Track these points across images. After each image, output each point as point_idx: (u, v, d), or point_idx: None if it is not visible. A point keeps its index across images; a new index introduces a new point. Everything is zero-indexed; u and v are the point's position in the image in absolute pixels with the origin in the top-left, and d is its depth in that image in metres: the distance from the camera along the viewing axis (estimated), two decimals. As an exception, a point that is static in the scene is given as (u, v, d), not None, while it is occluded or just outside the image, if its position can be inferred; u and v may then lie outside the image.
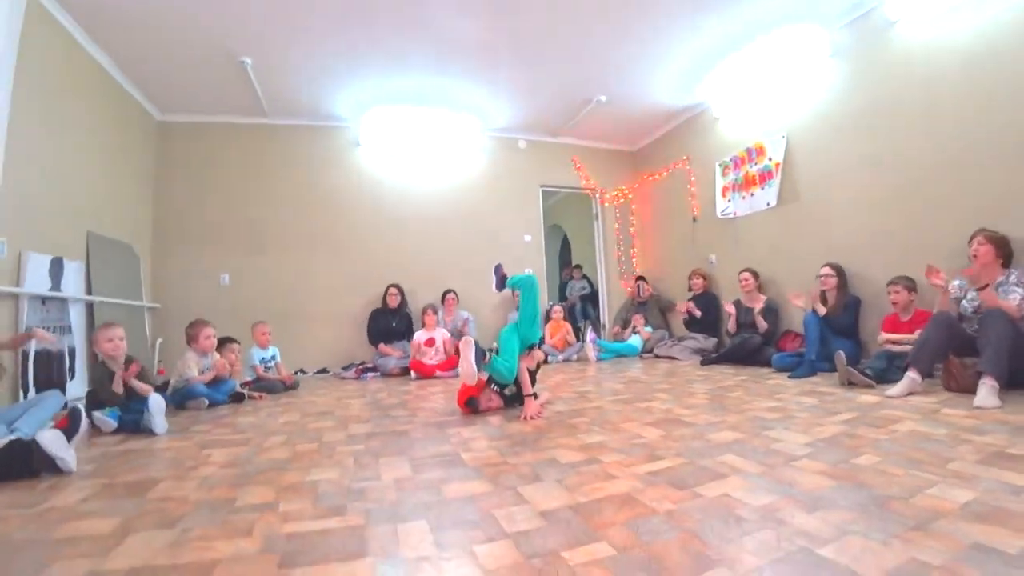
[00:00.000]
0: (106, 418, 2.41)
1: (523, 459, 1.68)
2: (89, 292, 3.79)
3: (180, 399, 3.12)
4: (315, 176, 5.47)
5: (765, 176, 4.57)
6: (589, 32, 3.99)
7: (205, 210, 5.13)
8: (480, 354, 2.37)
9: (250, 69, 4.30)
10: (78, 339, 3.63)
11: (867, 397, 2.52)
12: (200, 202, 5.13)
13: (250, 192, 5.26)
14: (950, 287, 2.78)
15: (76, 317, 3.65)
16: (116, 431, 2.42)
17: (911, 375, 2.54)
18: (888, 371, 2.89)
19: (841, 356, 2.86)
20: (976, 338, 2.52)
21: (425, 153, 5.79)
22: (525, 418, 2.35)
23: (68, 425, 1.86)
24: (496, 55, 4.30)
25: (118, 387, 2.64)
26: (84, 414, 1.96)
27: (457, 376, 4.42)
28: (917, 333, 2.81)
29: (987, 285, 2.53)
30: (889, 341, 3.13)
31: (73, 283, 3.62)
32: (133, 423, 2.41)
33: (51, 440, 1.69)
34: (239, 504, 1.38)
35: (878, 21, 3.60)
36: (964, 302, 2.72)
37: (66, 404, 2.25)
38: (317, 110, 5.22)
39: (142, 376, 2.71)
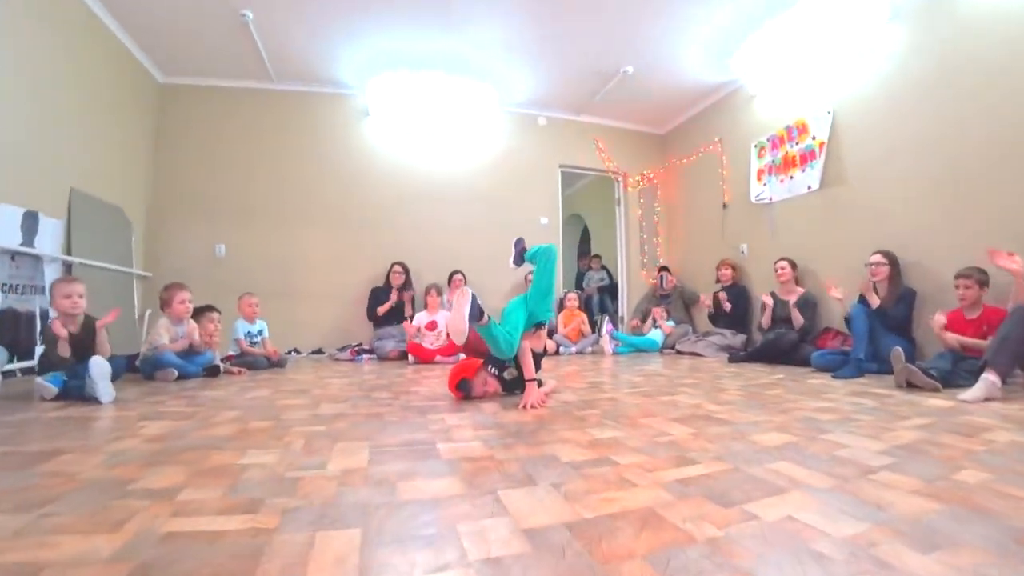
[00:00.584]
0: (47, 383, 2.12)
1: (514, 454, 1.32)
2: (69, 252, 3.54)
3: (149, 368, 2.83)
4: (321, 146, 5.20)
5: (807, 156, 4.12)
6: None
7: (204, 177, 4.90)
8: (477, 311, 2.00)
9: (252, 24, 4.03)
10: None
11: (936, 401, 2.10)
12: (200, 169, 4.90)
13: (252, 160, 5.01)
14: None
15: (52, 278, 3.39)
16: (59, 397, 2.13)
17: (989, 378, 2.12)
18: (953, 374, 2.45)
19: (899, 352, 2.44)
20: None
21: (437, 126, 5.45)
22: (525, 406, 1.99)
23: None
24: (516, 16, 3.94)
25: (64, 350, 2.36)
26: None
27: (458, 360, 4.10)
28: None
29: None
30: (949, 344, 2.68)
31: (50, 241, 3.38)
32: (79, 389, 2.11)
33: None
34: (134, 487, 1.05)
35: None
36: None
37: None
38: (324, 74, 4.93)
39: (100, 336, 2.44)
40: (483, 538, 0.81)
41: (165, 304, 3.04)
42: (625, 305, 6.42)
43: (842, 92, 3.89)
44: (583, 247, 9.40)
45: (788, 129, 4.31)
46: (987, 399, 2.09)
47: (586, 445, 1.43)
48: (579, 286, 7.81)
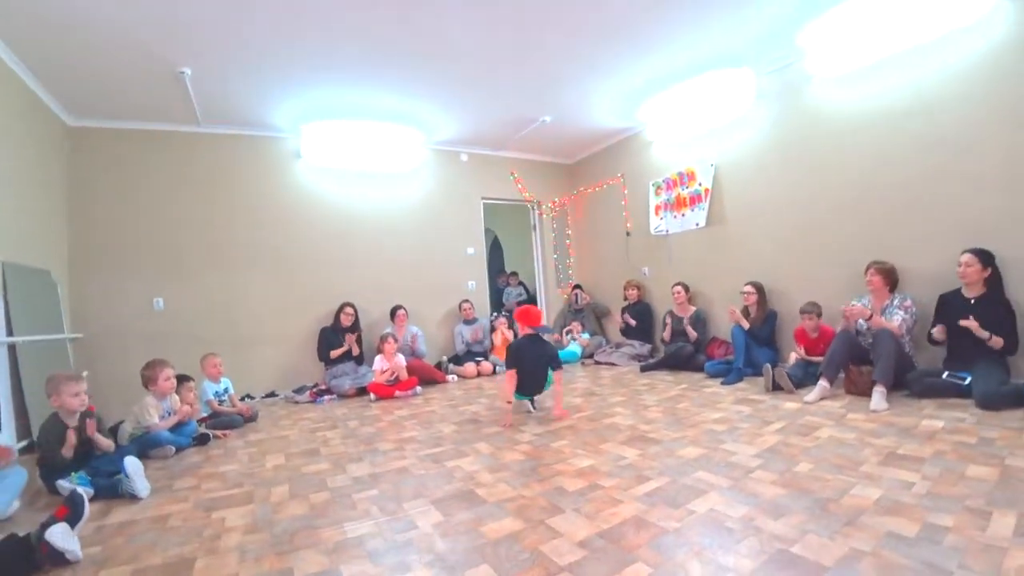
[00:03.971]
0: (81, 486, 2.24)
1: (534, 491, 1.93)
2: (10, 332, 3.45)
3: (141, 448, 2.99)
4: (254, 189, 5.24)
5: (695, 199, 5.13)
6: (541, 62, 4.17)
7: (132, 227, 4.73)
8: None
9: (188, 80, 4.05)
10: (0, 387, 3.29)
11: (790, 404, 3.05)
12: (125, 218, 4.72)
13: (180, 207, 4.91)
14: (853, 305, 3.32)
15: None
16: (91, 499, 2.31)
17: (823, 383, 3.12)
18: (805, 378, 3.49)
19: (768, 368, 3.42)
20: (869, 350, 3.14)
21: (368, 166, 5.72)
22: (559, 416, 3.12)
23: (70, 513, 1.77)
24: (448, 72, 4.35)
25: (68, 452, 2.44)
26: (87, 499, 1.89)
27: (416, 394, 4.56)
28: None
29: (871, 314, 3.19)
30: (801, 357, 3.74)
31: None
32: (110, 488, 2.29)
33: (61, 535, 1.64)
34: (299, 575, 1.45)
35: (798, 75, 4.15)
36: (860, 321, 3.34)
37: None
38: (254, 120, 4.99)
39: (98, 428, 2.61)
40: (559, 552, 1.42)
41: (150, 382, 3.17)
42: (544, 319, 7.20)
43: (722, 150, 4.89)
44: (495, 256, 9.90)
45: (680, 175, 5.29)
46: (822, 399, 3.07)
47: (575, 475, 2.07)
48: (498, 301, 8.46)
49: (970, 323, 2.79)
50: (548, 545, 1.47)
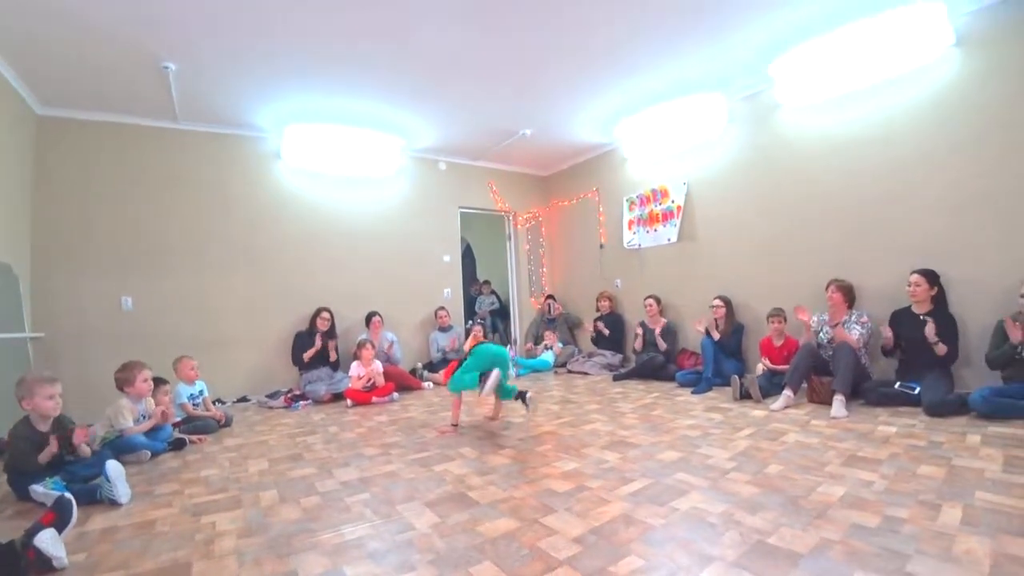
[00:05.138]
0: (60, 492, 2.18)
1: (524, 491, 2.00)
2: (-29, 330, 3.33)
3: (115, 452, 2.90)
4: (230, 189, 5.12)
5: (668, 215, 5.34)
6: (525, 77, 4.30)
7: (100, 223, 4.56)
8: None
9: (171, 76, 3.96)
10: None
11: (757, 412, 3.22)
12: (93, 213, 4.54)
13: (154, 204, 4.76)
14: (812, 321, 3.59)
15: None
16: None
17: (787, 392, 3.32)
18: (770, 387, 3.67)
19: (736, 378, 3.60)
20: (830, 362, 3.36)
21: (347, 169, 5.70)
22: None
23: (57, 518, 1.73)
24: (434, 86, 4.42)
25: (45, 457, 2.36)
26: (75, 504, 1.84)
27: (393, 400, 4.57)
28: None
29: (838, 323, 3.42)
30: (767, 368, 3.97)
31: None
32: (87, 493, 2.22)
33: (50, 541, 1.61)
34: (304, 577, 1.46)
35: (767, 101, 4.42)
36: (820, 334, 3.58)
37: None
38: (235, 119, 4.92)
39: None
40: (556, 548, 1.50)
41: (126, 384, 3.08)
42: (517, 328, 7.30)
43: (695, 169, 5.12)
44: (467, 263, 9.88)
45: (653, 191, 5.50)
46: (787, 407, 3.26)
47: (561, 477, 2.16)
48: (471, 309, 8.49)
49: (928, 328, 3.06)
50: (545, 542, 1.55)
